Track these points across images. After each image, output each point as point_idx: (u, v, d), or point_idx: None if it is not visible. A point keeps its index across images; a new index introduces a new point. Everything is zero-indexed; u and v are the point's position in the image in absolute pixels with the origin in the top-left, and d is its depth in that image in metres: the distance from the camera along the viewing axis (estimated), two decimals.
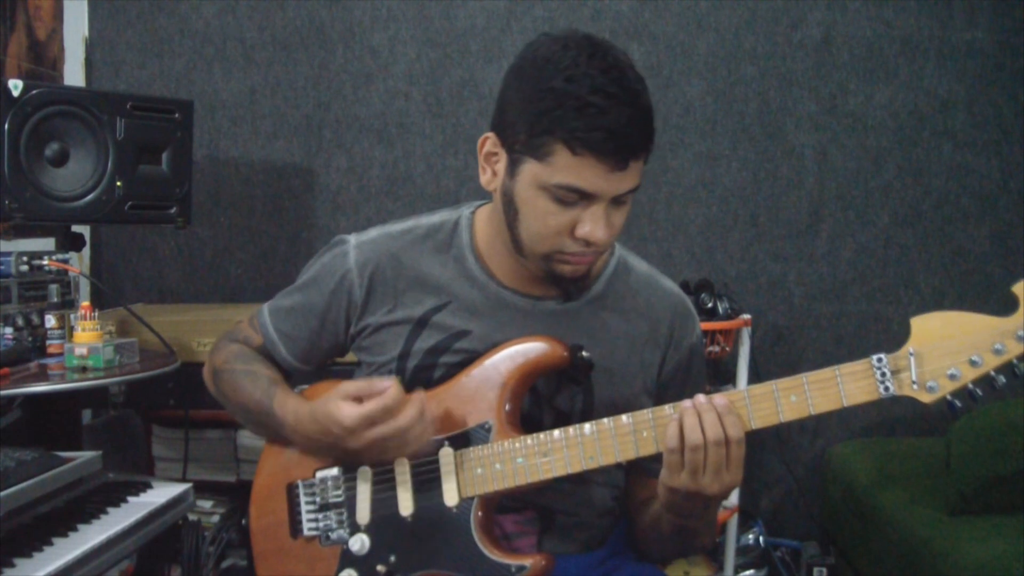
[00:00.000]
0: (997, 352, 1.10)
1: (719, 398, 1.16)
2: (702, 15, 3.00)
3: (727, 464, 1.14)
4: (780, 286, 3.04)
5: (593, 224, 1.19)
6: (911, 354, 1.12)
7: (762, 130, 3.01)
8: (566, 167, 1.17)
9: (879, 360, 1.13)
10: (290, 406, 1.34)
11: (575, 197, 1.19)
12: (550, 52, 1.19)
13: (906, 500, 2.35)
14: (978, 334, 1.11)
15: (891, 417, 3.01)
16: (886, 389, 1.13)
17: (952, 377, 1.11)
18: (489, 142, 1.28)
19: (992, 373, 1.10)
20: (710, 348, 2.60)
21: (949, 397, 1.12)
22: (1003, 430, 2.20)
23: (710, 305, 2.64)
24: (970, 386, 1.11)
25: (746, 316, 2.73)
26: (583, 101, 1.14)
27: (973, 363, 1.10)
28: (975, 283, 2.96)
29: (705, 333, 2.59)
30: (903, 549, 2.24)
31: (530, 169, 1.20)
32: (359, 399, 1.23)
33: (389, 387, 1.22)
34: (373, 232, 1.41)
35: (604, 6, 3.01)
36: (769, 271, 3.04)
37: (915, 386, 1.12)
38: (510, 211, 1.25)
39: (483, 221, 1.37)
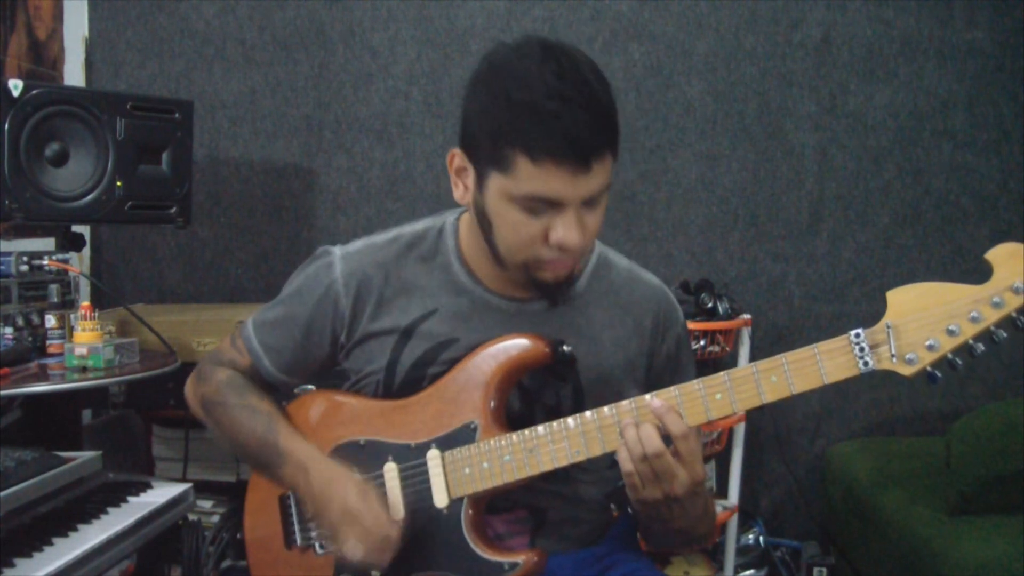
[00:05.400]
0: (974, 320, 1.09)
1: (656, 401, 1.18)
2: (702, 15, 3.00)
3: (680, 463, 1.15)
4: (780, 286, 3.04)
5: (566, 230, 1.19)
6: (888, 327, 1.12)
7: (762, 130, 3.01)
8: (529, 177, 1.16)
9: (857, 335, 1.13)
10: (302, 448, 1.33)
11: (543, 206, 1.18)
12: (504, 60, 1.20)
13: (906, 500, 2.35)
14: (954, 303, 1.10)
15: (891, 417, 3.01)
16: (865, 364, 1.12)
17: (930, 348, 1.10)
18: (457, 157, 1.28)
19: (971, 342, 1.10)
20: (710, 348, 2.60)
21: (929, 368, 1.11)
22: (1003, 430, 2.20)
23: (710, 305, 2.64)
24: (949, 356, 1.11)
25: (746, 316, 2.73)
26: (538, 108, 1.13)
27: (951, 332, 1.10)
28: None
29: (705, 333, 2.59)
30: (903, 549, 2.24)
31: (496, 182, 1.20)
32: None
33: (393, 537, 1.26)
34: (358, 243, 1.40)
35: (604, 6, 3.01)
36: (769, 271, 3.04)
37: (894, 359, 1.11)
38: (484, 224, 1.26)
39: (467, 227, 1.37)
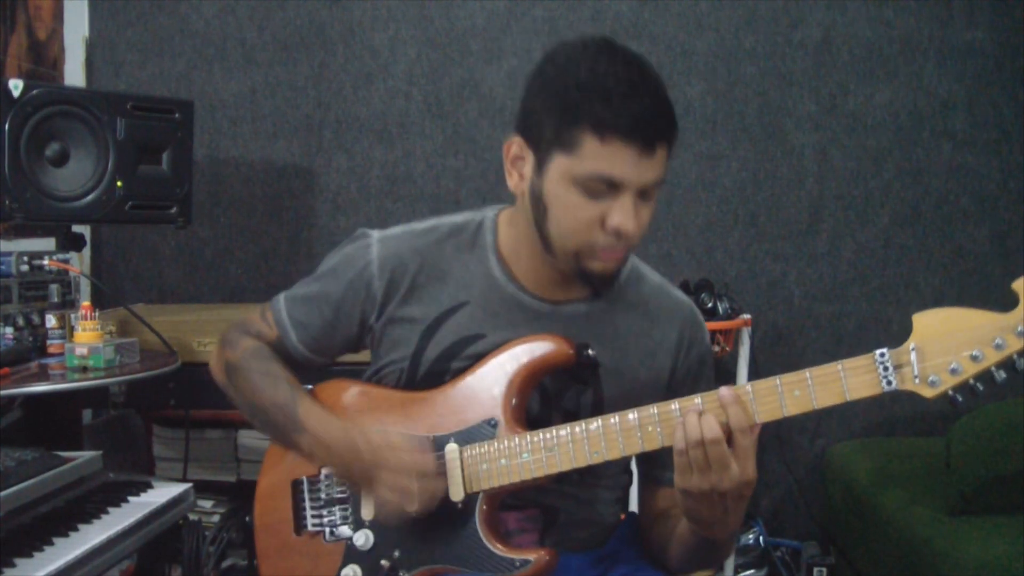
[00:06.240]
0: (998, 347, 1.10)
1: (725, 390, 1.16)
2: (702, 15, 3.00)
3: (734, 456, 1.14)
4: (780, 286, 3.04)
5: (623, 215, 1.21)
6: (913, 349, 1.13)
7: (762, 130, 3.02)
8: (595, 156, 1.19)
9: (882, 355, 1.14)
10: (317, 414, 1.34)
11: (604, 187, 1.20)
12: (571, 52, 1.24)
13: (906, 500, 2.35)
14: (979, 330, 1.11)
15: (891, 417, 3.01)
16: (888, 383, 1.13)
17: (953, 372, 1.12)
18: (515, 146, 1.29)
19: (993, 368, 1.11)
20: None
21: (950, 392, 1.13)
22: (1003, 430, 2.20)
23: (710, 305, 2.64)
24: (971, 381, 1.12)
25: (746, 316, 2.73)
26: (608, 90, 1.18)
27: (974, 358, 1.11)
28: (975, 283, 2.96)
29: None
30: (903, 549, 2.24)
31: (559, 163, 1.22)
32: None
33: (430, 461, 1.27)
34: (397, 229, 1.41)
35: (604, 6, 3.01)
36: (769, 271, 3.04)
37: (917, 381, 1.13)
38: (539, 210, 1.26)
39: (506, 224, 1.38)
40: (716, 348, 2.62)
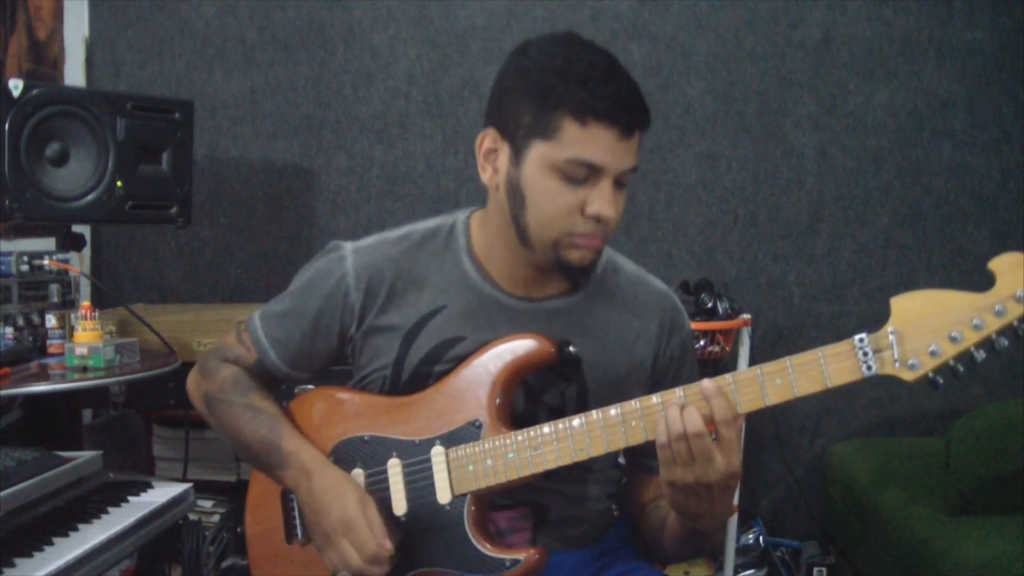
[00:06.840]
0: (976, 328, 1.10)
1: (707, 382, 1.17)
2: (702, 15, 3.00)
3: (719, 448, 1.14)
4: (780, 286, 3.04)
5: (602, 201, 1.23)
6: (892, 333, 1.13)
7: (762, 130, 3.01)
8: (575, 140, 1.21)
9: (861, 340, 1.14)
10: (305, 451, 1.34)
11: (584, 173, 1.22)
12: (541, 44, 1.26)
13: (906, 500, 2.35)
14: (957, 311, 1.11)
15: (891, 417, 3.01)
16: (868, 368, 1.13)
17: (933, 354, 1.11)
18: (488, 139, 1.30)
19: (972, 349, 1.11)
20: (710, 348, 2.60)
21: (931, 374, 1.12)
22: (1003, 430, 2.20)
23: (710, 305, 2.64)
24: (951, 362, 1.12)
25: (746, 316, 2.73)
26: (585, 75, 1.20)
27: (953, 339, 1.11)
28: (975, 283, 2.92)
29: (705, 333, 2.59)
30: (903, 549, 2.24)
31: (537, 151, 1.23)
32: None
33: (388, 551, 1.24)
34: (370, 239, 1.41)
35: (604, 6, 3.01)
36: (769, 271, 3.04)
37: (897, 364, 1.12)
38: (516, 201, 1.26)
39: (478, 225, 1.38)
40: (716, 348, 2.62)
